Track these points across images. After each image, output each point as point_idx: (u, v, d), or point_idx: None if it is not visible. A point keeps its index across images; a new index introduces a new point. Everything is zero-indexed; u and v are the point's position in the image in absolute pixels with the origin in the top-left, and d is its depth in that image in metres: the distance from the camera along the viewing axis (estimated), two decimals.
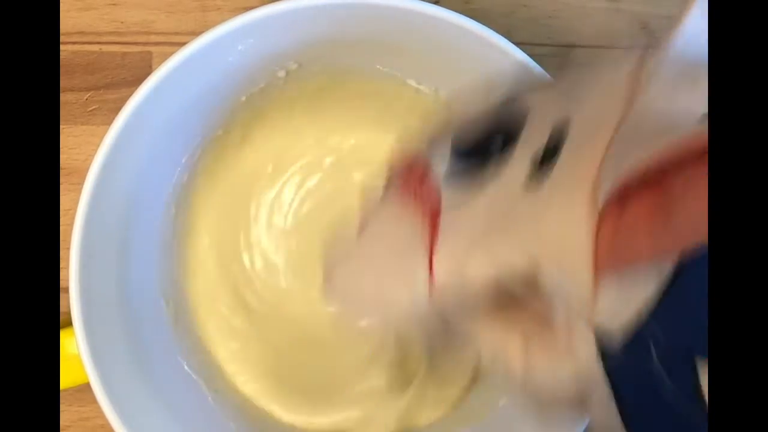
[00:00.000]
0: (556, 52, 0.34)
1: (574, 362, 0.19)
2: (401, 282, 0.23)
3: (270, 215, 0.35)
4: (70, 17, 0.35)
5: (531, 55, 0.28)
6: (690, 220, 0.16)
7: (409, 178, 0.24)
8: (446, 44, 0.29)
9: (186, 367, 0.33)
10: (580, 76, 0.22)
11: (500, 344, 0.21)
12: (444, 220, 0.22)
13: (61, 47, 0.35)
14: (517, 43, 0.28)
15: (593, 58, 0.30)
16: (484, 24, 0.28)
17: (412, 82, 0.33)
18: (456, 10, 0.28)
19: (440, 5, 0.28)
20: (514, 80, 0.25)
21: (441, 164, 0.23)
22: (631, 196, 0.17)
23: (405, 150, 0.26)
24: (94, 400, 0.28)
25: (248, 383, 0.34)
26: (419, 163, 0.23)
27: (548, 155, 0.20)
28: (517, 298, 0.20)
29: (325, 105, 0.34)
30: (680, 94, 0.19)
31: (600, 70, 0.22)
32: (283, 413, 0.34)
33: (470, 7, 0.35)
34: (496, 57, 0.29)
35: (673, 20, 0.21)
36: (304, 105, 0.34)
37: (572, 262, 0.18)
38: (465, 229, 0.21)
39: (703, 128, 0.16)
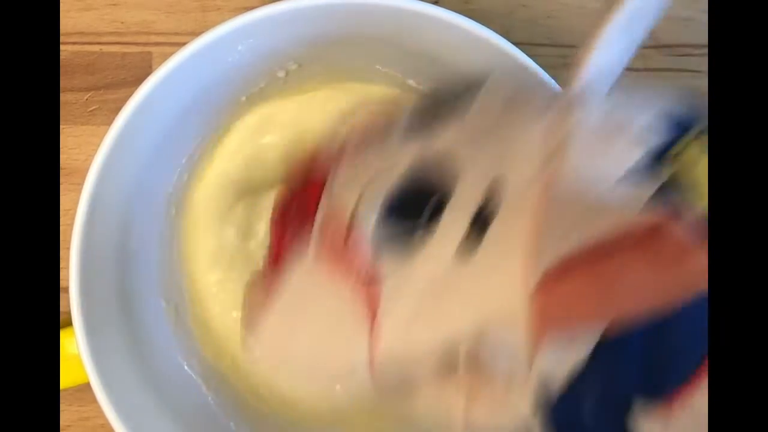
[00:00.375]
0: (555, 53, 0.34)
1: (513, 415, 0.20)
2: (339, 355, 0.23)
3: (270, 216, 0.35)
4: (70, 17, 0.35)
5: (530, 56, 0.28)
6: (624, 296, 0.18)
7: (332, 234, 0.23)
8: (445, 44, 0.29)
9: (186, 368, 0.33)
10: (511, 126, 0.22)
11: (442, 400, 0.22)
12: (384, 290, 0.22)
13: (61, 47, 0.35)
14: (516, 44, 0.28)
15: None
16: (483, 24, 0.28)
17: (412, 83, 0.33)
18: (455, 11, 0.28)
19: (439, 5, 0.28)
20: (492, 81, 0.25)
21: (367, 221, 0.22)
22: (569, 268, 0.18)
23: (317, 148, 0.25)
24: (94, 400, 0.28)
25: (248, 383, 0.34)
26: (342, 218, 0.23)
27: (482, 218, 0.21)
28: (460, 361, 0.21)
29: (324, 106, 0.34)
30: (604, 149, 0.20)
31: (527, 117, 0.22)
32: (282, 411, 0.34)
33: (469, 7, 0.35)
34: (495, 57, 0.29)
35: (576, 61, 0.22)
36: (303, 105, 0.34)
37: (512, 327, 0.19)
38: (406, 299, 0.21)
39: (640, 214, 0.18)
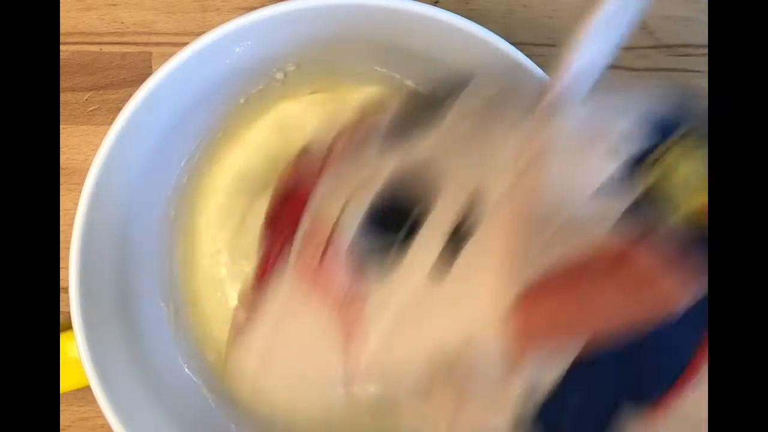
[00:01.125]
0: (556, 53, 0.34)
1: (495, 428, 0.21)
2: (317, 372, 0.23)
3: None
4: (70, 17, 0.35)
5: (530, 56, 0.28)
6: (598, 316, 0.19)
7: (311, 251, 0.23)
8: (445, 46, 0.29)
9: (186, 369, 0.33)
10: (491, 132, 0.22)
11: (425, 415, 0.22)
12: (367, 305, 0.22)
13: (61, 47, 0.35)
14: (517, 44, 0.28)
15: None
16: (483, 24, 0.28)
17: (411, 84, 0.33)
18: (455, 11, 0.28)
19: (439, 6, 0.28)
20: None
21: (347, 233, 0.22)
22: (544, 288, 0.19)
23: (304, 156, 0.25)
24: (93, 400, 0.28)
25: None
26: (325, 230, 0.23)
27: (460, 234, 0.21)
28: (442, 376, 0.21)
29: (323, 107, 0.34)
30: (580, 160, 0.21)
31: (507, 122, 0.22)
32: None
33: (469, 7, 0.35)
34: (495, 58, 0.29)
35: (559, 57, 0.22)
36: (301, 107, 0.34)
37: (489, 343, 0.20)
38: (387, 314, 0.22)
39: (609, 237, 0.19)
